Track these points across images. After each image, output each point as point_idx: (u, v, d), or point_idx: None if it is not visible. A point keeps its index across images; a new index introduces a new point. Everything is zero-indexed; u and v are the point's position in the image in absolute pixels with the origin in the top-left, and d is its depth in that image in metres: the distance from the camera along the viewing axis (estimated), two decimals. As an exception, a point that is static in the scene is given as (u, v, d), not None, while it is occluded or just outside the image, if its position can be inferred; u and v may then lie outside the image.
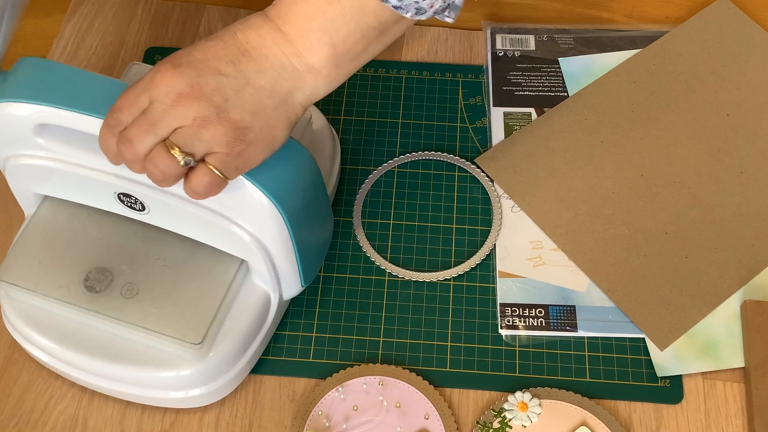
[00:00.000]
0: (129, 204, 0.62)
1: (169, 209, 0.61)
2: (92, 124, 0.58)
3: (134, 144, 0.54)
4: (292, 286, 0.68)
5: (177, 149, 0.54)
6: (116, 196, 0.62)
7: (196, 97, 0.54)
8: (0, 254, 0.74)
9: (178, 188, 0.58)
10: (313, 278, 0.71)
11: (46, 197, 0.68)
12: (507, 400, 0.67)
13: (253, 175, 0.57)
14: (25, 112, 0.59)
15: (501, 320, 0.71)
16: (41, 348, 0.66)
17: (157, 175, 0.55)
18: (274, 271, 0.65)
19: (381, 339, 0.71)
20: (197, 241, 0.66)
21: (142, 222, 0.66)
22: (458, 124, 0.82)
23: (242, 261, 0.66)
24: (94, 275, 0.65)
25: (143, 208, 0.62)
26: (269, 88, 0.56)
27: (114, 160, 0.57)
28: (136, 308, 0.64)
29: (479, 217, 0.77)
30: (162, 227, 0.64)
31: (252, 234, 0.61)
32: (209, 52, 0.55)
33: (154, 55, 0.86)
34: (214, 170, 0.55)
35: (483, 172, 0.79)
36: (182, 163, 0.54)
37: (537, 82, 0.83)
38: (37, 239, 0.67)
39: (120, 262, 0.66)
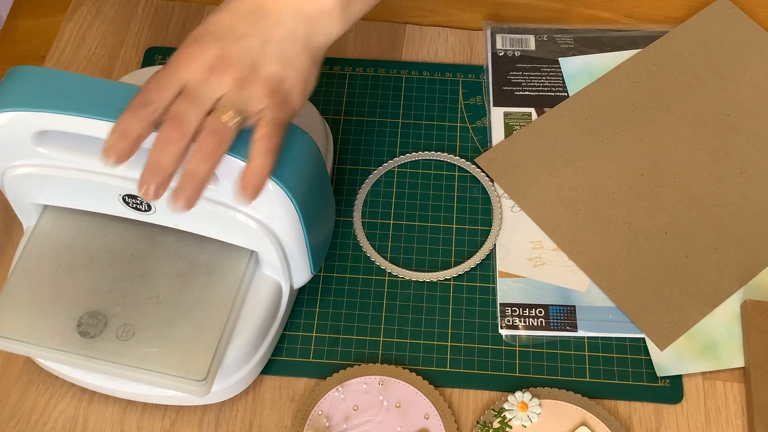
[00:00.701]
0: (134, 205, 0.62)
1: None
2: (93, 127, 0.57)
3: (183, 119, 0.55)
4: (302, 273, 0.68)
5: (230, 112, 0.55)
6: (121, 198, 0.62)
7: (227, 65, 0.56)
8: (0, 257, 0.74)
9: None
10: (321, 264, 0.71)
11: (39, 220, 0.67)
12: (507, 400, 0.67)
13: None
14: (23, 120, 0.58)
15: (501, 320, 0.71)
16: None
17: (214, 144, 0.55)
18: (284, 258, 0.64)
19: (381, 339, 0.71)
20: (189, 275, 0.65)
21: (130, 261, 0.65)
22: (458, 124, 0.82)
23: (250, 258, 0.66)
24: (87, 320, 0.63)
25: (149, 208, 0.62)
26: (289, 37, 0.58)
27: (130, 145, 0.55)
28: (134, 350, 0.62)
29: (479, 217, 0.77)
30: (169, 226, 0.64)
31: (261, 222, 0.61)
32: (225, 20, 0.57)
33: (154, 55, 0.86)
34: (270, 120, 0.57)
35: (483, 171, 0.79)
36: (237, 123, 0.56)
37: (537, 82, 0.83)
38: (22, 288, 0.64)
39: (112, 304, 0.64)
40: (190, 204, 0.55)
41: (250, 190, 0.56)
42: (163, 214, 0.62)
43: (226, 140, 0.56)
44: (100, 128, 0.57)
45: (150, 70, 0.75)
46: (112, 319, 0.63)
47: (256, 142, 0.57)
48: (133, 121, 0.55)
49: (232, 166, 0.58)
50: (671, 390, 0.68)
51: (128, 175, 0.60)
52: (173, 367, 0.62)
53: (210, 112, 0.56)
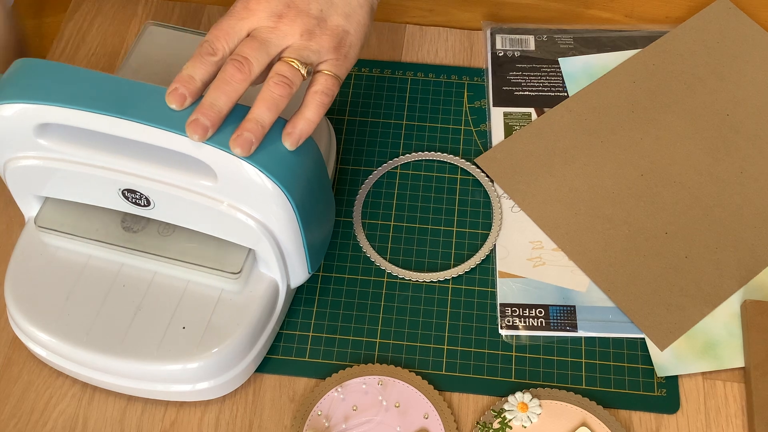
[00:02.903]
0: (134, 200, 0.63)
1: (175, 202, 0.61)
2: (95, 121, 0.58)
3: (250, 62, 0.57)
4: (300, 272, 0.68)
5: (297, 62, 0.58)
6: (120, 192, 0.62)
7: (296, 14, 0.58)
8: (0, 256, 0.74)
9: (185, 180, 0.59)
10: (319, 265, 0.71)
11: None
12: (507, 401, 0.67)
13: (257, 160, 0.58)
14: (26, 112, 0.59)
15: (501, 320, 0.71)
16: (47, 347, 0.66)
17: (281, 92, 0.57)
18: (281, 257, 0.65)
19: (378, 340, 0.71)
20: None
21: None
22: (462, 127, 0.82)
23: (249, 250, 0.66)
24: (131, 217, 0.67)
25: (148, 204, 0.63)
26: None
27: (195, 89, 0.57)
28: (174, 244, 0.66)
29: (480, 219, 0.77)
30: (168, 222, 0.65)
31: (259, 221, 0.61)
32: None
33: (154, 56, 0.86)
34: (330, 75, 0.59)
35: (483, 172, 0.79)
36: (305, 73, 0.58)
37: (537, 82, 0.83)
38: None
39: None
40: (249, 150, 0.57)
41: (295, 138, 0.59)
42: (162, 210, 0.63)
43: (292, 90, 0.58)
44: (101, 122, 0.58)
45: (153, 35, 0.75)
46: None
47: (314, 94, 0.59)
48: (200, 67, 0.58)
49: (232, 164, 0.58)
50: (667, 399, 0.68)
51: (128, 170, 0.61)
52: (210, 260, 0.65)
53: (274, 59, 0.58)
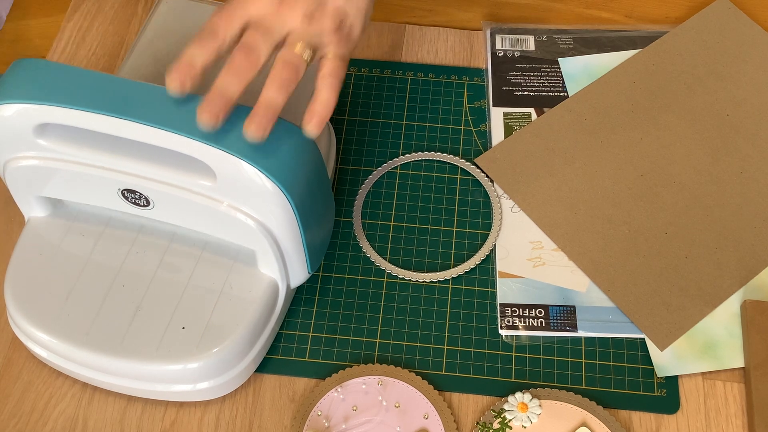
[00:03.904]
0: (133, 200, 0.63)
1: (175, 202, 0.62)
2: (95, 121, 0.58)
3: (256, 50, 0.57)
4: (299, 272, 0.68)
5: (300, 45, 0.58)
6: (120, 192, 0.62)
7: None
8: (0, 256, 0.74)
9: (184, 180, 0.59)
10: (319, 265, 0.71)
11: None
12: (507, 401, 0.67)
13: (256, 160, 0.58)
14: (25, 112, 0.59)
15: (501, 320, 0.71)
16: (47, 347, 0.66)
17: (288, 75, 0.58)
18: (281, 257, 0.65)
19: (377, 340, 0.71)
20: None
21: None
22: (462, 127, 0.82)
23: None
24: None
25: (148, 204, 0.63)
26: None
27: (195, 74, 0.57)
28: None
29: (480, 219, 0.77)
30: (167, 223, 0.65)
31: (259, 221, 0.61)
32: None
33: (154, 56, 0.86)
34: (335, 57, 0.60)
35: (483, 172, 0.78)
36: (308, 56, 0.58)
37: (537, 83, 0.83)
38: None
39: None
40: (264, 132, 0.57)
41: (316, 122, 0.59)
42: (162, 209, 0.63)
43: (299, 73, 0.58)
44: (101, 122, 0.58)
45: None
46: None
47: (324, 78, 0.60)
48: (200, 51, 0.58)
49: (231, 164, 0.58)
50: (667, 399, 0.68)
51: (128, 170, 0.61)
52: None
53: (279, 45, 0.58)
